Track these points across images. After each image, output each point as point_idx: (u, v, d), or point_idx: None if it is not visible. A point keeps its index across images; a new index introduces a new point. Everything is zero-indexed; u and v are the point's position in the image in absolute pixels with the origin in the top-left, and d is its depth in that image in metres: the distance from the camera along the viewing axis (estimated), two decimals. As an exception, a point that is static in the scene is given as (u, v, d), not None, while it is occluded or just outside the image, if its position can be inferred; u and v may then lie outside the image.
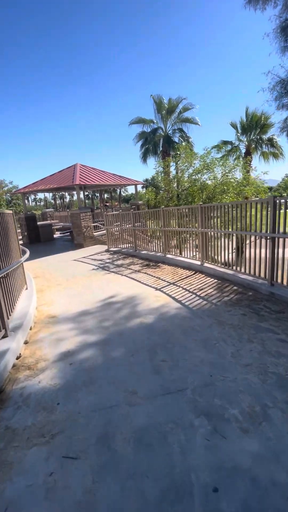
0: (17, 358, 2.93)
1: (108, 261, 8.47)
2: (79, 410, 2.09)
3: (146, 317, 3.86)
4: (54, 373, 2.65)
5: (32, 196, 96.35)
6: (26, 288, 4.87)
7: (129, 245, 9.60)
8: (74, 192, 12.42)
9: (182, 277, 5.84)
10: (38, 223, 15.00)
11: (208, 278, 5.54)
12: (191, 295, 4.65)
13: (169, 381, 2.38)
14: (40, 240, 14.47)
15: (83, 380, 2.49)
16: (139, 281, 5.82)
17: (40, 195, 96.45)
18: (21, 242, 15.42)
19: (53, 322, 3.99)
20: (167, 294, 4.82)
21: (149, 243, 8.79)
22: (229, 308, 3.95)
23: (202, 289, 4.93)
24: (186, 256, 7.07)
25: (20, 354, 2.98)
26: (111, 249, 10.07)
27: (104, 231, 11.90)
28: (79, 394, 2.31)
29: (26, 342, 3.31)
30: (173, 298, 4.61)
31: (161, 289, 5.14)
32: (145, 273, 6.53)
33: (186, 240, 7.58)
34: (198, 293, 4.72)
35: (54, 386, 2.44)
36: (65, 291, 5.63)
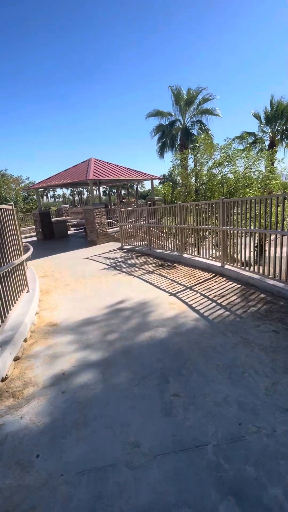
0: (3, 380, 2.47)
1: (120, 259, 7.97)
2: (62, 471, 1.57)
3: (158, 330, 3.30)
4: (41, 405, 2.15)
5: (51, 193, 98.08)
6: (28, 291, 4.44)
7: (143, 242, 9.04)
8: (94, 188, 12.12)
9: (200, 280, 5.22)
10: (52, 219, 14.76)
11: (230, 283, 4.89)
12: (210, 304, 4.04)
13: (184, 429, 1.81)
14: (54, 236, 14.23)
15: (74, 419, 1.97)
16: (152, 284, 5.26)
17: (59, 191, 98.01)
18: (35, 238, 15.31)
19: (52, 332, 3.52)
20: (183, 301, 4.23)
21: (164, 241, 8.19)
22: (257, 322, 3.31)
23: (223, 296, 4.30)
24: (204, 256, 6.42)
25: (6, 375, 2.52)
26: (125, 246, 9.57)
27: (118, 228, 11.43)
28: (66, 441, 1.79)
29: (17, 358, 2.85)
30: (190, 306, 4.02)
31: (177, 295, 4.55)
32: (159, 274, 5.96)
33: (205, 239, 6.92)
34: (219, 301, 4.09)
35: (38, 425, 1.94)
36: (72, 293, 5.18)
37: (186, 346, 2.88)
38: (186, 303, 4.14)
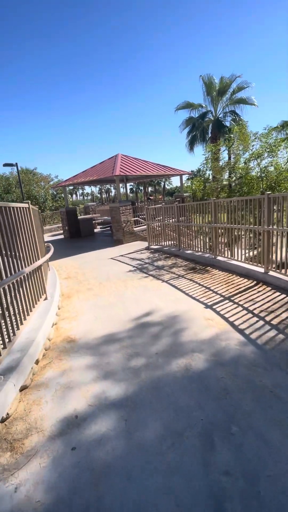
0: (3, 421, 2.00)
1: (147, 261, 7.40)
2: None
3: (195, 357, 2.67)
4: (44, 467, 1.63)
5: (80, 191, 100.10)
6: (46, 298, 4.01)
7: (172, 242, 8.39)
8: (120, 185, 11.72)
9: (240, 289, 4.48)
10: (79, 217, 14.57)
11: (278, 293, 4.10)
12: (257, 321, 3.31)
13: None
14: (81, 234, 14.03)
15: (86, 503, 1.42)
16: (184, 292, 4.62)
17: (87, 189, 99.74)
18: (61, 236, 15.25)
19: (69, 349, 3.03)
20: (223, 316, 3.55)
21: (195, 241, 7.48)
22: None
23: (272, 311, 3.54)
24: (241, 259, 5.63)
25: (7, 413, 2.04)
26: (152, 246, 8.98)
27: (145, 226, 10.87)
28: None
29: (24, 387, 2.38)
30: (232, 324, 3.33)
31: (213, 307, 3.88)
32: (190, 279, 5.29)
33: (241, 239, 6.12)
34: (267, 319, 3.35)
35: (35, 507, 1.42)
36: (94, 299, 4.70)
37: (233, 385, 2.22)
38: (226, 319, 3.45)
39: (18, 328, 2.83)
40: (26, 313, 3.10)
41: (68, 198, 15.50)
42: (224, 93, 16.81)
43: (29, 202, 3.76)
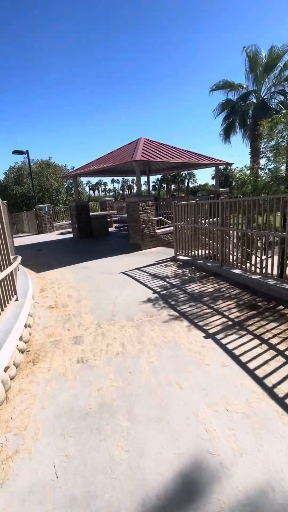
0: None
1: (175, 281, 4.99)
2: None
3: None
4: None
5: (102, 187, 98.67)
6: None
7: (208, 252, 5.94)
8: (142, 182, 9.50)
9: None
10: (91, 214, 12.37)
11: None
12: None
13: None
14: (92, 234, 11.83)
15: None
16: (262, 382, 2.17)
17: (110, 186, 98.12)
18: (70, 235, 13.14)
19: None
20: None
21: (252, 256, 4.96)
22: None
23: None
24: None
25: None
26: (180, 257, 6.53)
27: (171, 228, 8.44)
28: None
29: None
30: None
31: None
32: (260, 336, 2.83)
33: None
34: None
35: None
36: (77, 377, 2.39)
37: None
38: None
39: None
40: None
41: (86, 193, 13.51)
42: (272, 68, 13.83)
43: None
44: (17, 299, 3.57)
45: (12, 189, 17.99)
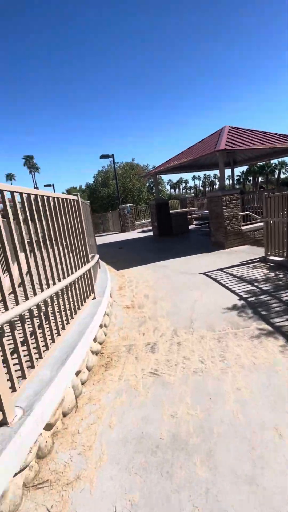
0: None
1: (265, 286, 4.21)
2: None
3: None
4: None
5: (183, 184, 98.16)
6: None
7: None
8: (226, 175, 8.77)
9: None
10: (171, 211, 12.15)
11: None
12: None
13: None
14: (172, 232, 11.60)
15: None
16: None
17: (190, 183, 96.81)
18: (150, 233, 13.23)
19: None
20: None
21: None
22: None
23: None
24: None
25: None
26: (272, 257, 5.58)
27: (260, 224, 7.41)
28: None
29: None
30: None
31: None
32: None
33: None
34: None
35: None
36: (149, 396, 2.10)
37: None
38: None
39: None
40: None
41: (167, 191, 13.50)
42: None
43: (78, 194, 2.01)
44: (94, 298, 3.56)
45: (100, 191, 19.47)
